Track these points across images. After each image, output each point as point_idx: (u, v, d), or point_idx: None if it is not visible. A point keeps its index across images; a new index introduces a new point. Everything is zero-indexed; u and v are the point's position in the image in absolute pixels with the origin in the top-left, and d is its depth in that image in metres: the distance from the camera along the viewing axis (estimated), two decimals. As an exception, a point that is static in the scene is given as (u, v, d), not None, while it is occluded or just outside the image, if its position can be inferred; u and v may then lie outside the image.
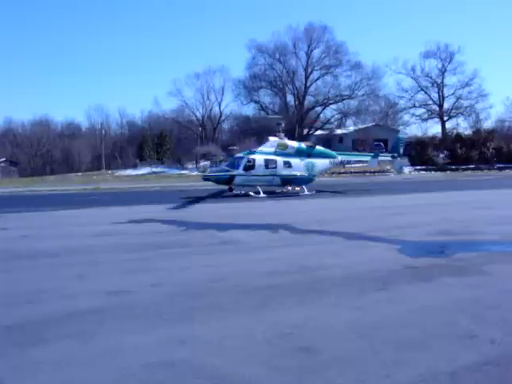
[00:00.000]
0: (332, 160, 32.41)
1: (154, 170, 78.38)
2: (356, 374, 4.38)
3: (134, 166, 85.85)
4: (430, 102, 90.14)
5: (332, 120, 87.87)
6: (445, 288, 7.29)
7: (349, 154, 37.26)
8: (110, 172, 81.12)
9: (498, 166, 67.54)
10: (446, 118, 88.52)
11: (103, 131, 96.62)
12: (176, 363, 4.71)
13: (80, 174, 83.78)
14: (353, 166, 50.51)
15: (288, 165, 29.82)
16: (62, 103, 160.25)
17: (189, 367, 4.62)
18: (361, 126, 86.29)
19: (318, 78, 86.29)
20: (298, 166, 30.15)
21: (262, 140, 37.97)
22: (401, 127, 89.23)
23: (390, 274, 8.10)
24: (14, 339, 5.41)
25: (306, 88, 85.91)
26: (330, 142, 77.75)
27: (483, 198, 24.78)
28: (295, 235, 12.78)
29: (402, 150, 36.26)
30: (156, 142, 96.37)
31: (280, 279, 7.96)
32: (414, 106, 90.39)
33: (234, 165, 29.58)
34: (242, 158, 29.90)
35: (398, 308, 6.31)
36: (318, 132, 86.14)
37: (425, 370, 4.43)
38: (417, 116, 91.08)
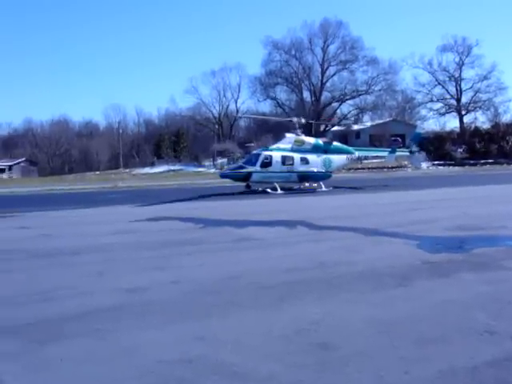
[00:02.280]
0: (349, 156, 32.27)
1: (172, 167, 78.90)
2: (374, 370, 4.36)
3: (152, 165, 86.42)
4: (448, 96, 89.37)
5: (349, 116, 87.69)
6: (464, 283, 7.23)
7: (366, 150, 37.13)
8: (127, 170, 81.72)
9: (517, 160, 66.79)
10: (463, 112, 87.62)
11: (120, 130, 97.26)
12: (194, 360, 4.72)
13: (98, 172, 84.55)
14: (370, 161, 50.32)
15: (305, 161, 29.77)
16: (80, 103, 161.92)
17: (207, 364, 4.63)
18: (378, 122, 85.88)
19: (334, 74, 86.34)
20: (315, 162, 30.06)
21: (278, 136, 37.93)
22: (418, 122, 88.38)
23: (409, 270, 8.04)
24: (35, 336, 5.47)
25: (323, 84, 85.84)
26: (346, 137, 77.61)
27: (502, 192, 24.53)
28: (313, 231, 12.76)
29: (419, 145, 36.00)
30: (173, 139, 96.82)
31: (298, 275, 7.94)
32: (432, 101, 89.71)
33: (251, 162, 29.65)
34: (258, 154, 29.96)
35: (417, 304, 6.27)
36: (335, 128, 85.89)
37: (444, 366, 4.39)
38: (434, 110, 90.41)
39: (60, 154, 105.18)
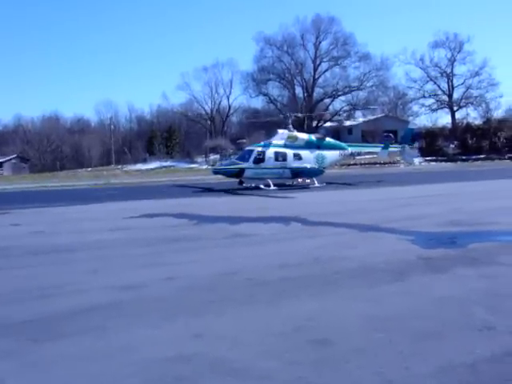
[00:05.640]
0: (342, 152, 32.31)
1: (164, 164, 78.59)
2: (374, 367, 4.35)
3: (144, 161, 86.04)
4: (440, 92, 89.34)
5: (341, 112, 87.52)
6: (460, 279, 7.25)
7: (359, 146, 37.17)
8: (119, 167, 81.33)
9: (508, 155, 67.08)
10: (455, 108, 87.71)
11: (112, 126, 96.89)
12: (192, 357, 4.69)
13: (90, 169, 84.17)
14: (362, 157, 50.40)
15: (298, 157, 29.77)
16: (71, 99, 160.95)
17: (205, 361, 4.61)
18: (370, 118, 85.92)
19: (326, 70, 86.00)
20: (308, 158, 30.08)
21: (271, 133, 37.90)
22: (410, 118, 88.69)
23: (404, 266, 8.05)
24: (31, 334, 5.42)
25: (315, 80, 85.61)
26: (339, 133, 77.62)
27: (494, 188, 24.62)
28: (307, 227, 12.75)
29: (411, 141, 36.10)
30: (165, 136, 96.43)
31: (293, 272, 7.94)
32: (424, 97, 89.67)
33: (243, 158, 29.60)
34: (251, 150, 29.90)
35: (414, 299, 6.27)
36: (328, 124, 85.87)
37: (444, 362, 4.39)
38: (426, 106, 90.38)
39: (51, 151, 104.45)
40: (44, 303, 6.60)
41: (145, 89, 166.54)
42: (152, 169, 73.75)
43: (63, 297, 6.86)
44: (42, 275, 8.32)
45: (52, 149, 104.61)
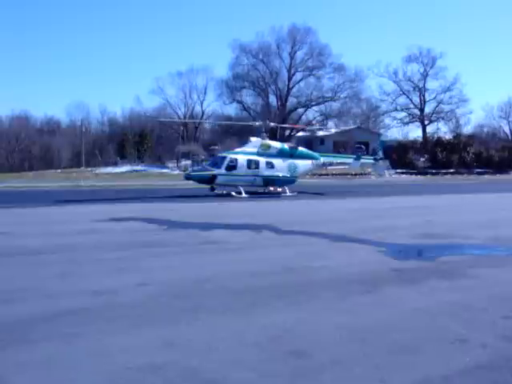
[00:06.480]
0: (314, 161, 32.48)
1: (135, 168, 77.84)
2: (349, 379, 4.29)
3: (115, 164, 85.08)
4: (412, 105, 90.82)
5: (314, 122, 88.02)
6: (432, 291, 7.26)
7: (331, 156, 37.40)
8: (90, 169, 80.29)
9: (477, 170, 68.44)
10: (426, 122, 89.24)
11: (83, 128, 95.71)
12: (164, 366, 4.57)
13: (59, 170, 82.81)
14: (334, 167, 50.69)
15: (270, 165, 29.81)
16: (42, 99, 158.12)
17: (178, 371, 4.49)
18: (342, 128, 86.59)
19: (300, 80, 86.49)
20: (281, 166, 30.15)
21: (243, 140, 37.85)
22: (382, 130, 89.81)
23: (377, 277, 8.05)
24: (-5, 340, 5.23)
25: (289, 89, 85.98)
26: (311, 143, 77.99)
27: (463, 201, 25.03)
28: (279, 236, 12.70)
29: (383, 153, 36.52)
30: (137, 140, 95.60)
31: (266, 280, 7.86)
32: (396, 110, 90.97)
33: (216, 164, 29.51)
34: (224, 157, 29.84)
35: (388, 311, 6.25)
36: (300, 133, 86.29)
37: (419, 375, 4.36)
38: (398, 119, 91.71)
39: (20, 151, 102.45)
40: (9, 308, 6.37)
41: (118, 92, 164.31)
42: (123, 172, 72.98)
43: (29, 301, 6.63)
44: (6, 278, 8.06)
45: (20, 148, 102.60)
